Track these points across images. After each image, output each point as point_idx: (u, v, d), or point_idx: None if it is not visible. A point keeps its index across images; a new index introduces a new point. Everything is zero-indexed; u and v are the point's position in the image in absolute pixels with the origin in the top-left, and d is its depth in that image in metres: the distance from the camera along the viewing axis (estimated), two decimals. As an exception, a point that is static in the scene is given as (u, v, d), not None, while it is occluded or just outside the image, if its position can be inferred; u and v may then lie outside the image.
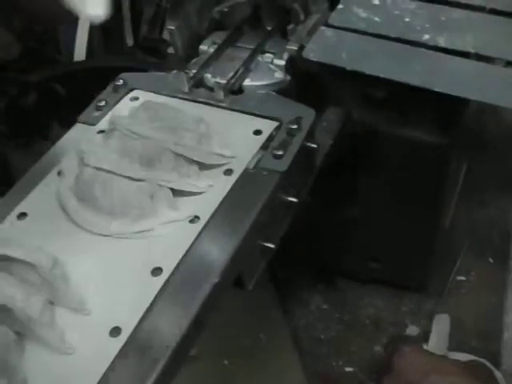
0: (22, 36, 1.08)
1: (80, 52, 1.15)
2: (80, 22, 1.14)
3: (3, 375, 0.38)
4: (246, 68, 0.58)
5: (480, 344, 0.77)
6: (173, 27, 0.60)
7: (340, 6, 0.57)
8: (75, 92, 1.02)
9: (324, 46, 0.53)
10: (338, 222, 0.76)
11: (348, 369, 0.79)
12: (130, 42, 1.14)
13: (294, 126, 0.52)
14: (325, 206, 0.73)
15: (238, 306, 0.76)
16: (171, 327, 0.41)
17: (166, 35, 0.69)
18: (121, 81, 0.58)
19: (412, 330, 0.80)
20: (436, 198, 0.71)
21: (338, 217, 0.76)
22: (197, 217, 0.47)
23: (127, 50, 1.18)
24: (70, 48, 1.14)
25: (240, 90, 0.57)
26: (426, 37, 0.54)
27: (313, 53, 0.52)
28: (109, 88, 0.59)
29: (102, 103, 0.57)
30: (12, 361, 0.40)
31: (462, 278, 0.84)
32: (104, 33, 1.17)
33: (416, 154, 0.65)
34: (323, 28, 0.55)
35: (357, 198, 0.74)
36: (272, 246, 0.50)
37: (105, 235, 0.46)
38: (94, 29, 1.13)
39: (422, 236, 0.75)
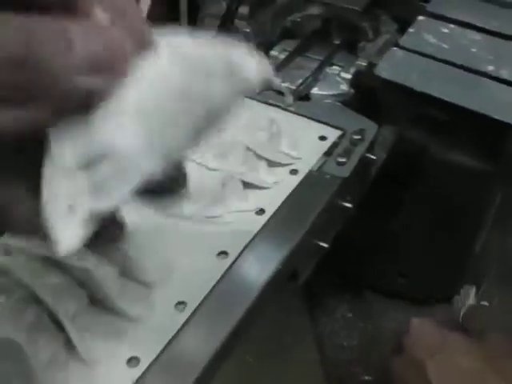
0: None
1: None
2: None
3: (74, 335, 0.41)
4: (315, 77, 0.61)
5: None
6: (248, 30, 0.63)
7: (411, 30, 0.60)
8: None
9: (395, 66, 0.56)
10: (372, 234, 0.79)
11: (366, 377, 0.81)
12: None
13: (358, 137, 0.55)
14: (363, 218, 0.76)
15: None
16: (234, 306, 0.44)
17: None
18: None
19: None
20: (473, 223, 0.73)
21: (373, 229, 0.79)
22: (262, 210, 0.50)
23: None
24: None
25: (307, 97, 0.60)
26: (490, 68, 0.57)
27: (384, 71, 0.56)
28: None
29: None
30: (83, 324, 0.43)
31: (485, 304, 0.87)
32: (157, 25, 1.20)
33: (461, 178, 0.67)
34: (395, 49, 0.58)
35: (395, 213, 0.76)
36: (326, 245, 0.53)
37: (175, 217, 0.49)
38: (148, 20, 1.17)
39: (453, 258, 0.78)
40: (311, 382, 0.80)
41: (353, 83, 0.61)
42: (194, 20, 1.20)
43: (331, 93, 0.61)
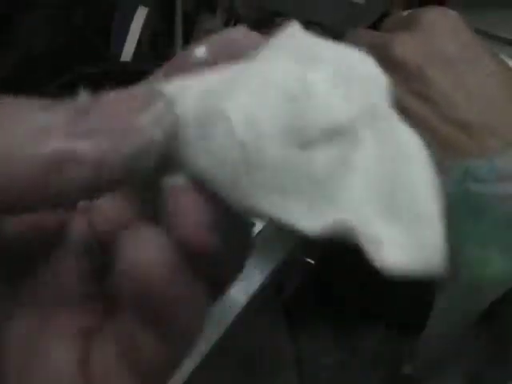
0: (80, 29, 1.13)
1: (128, 54, 1.19)
2: (133, 24, 1.19)
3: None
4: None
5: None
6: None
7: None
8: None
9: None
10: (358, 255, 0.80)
11: (343, 396, 0.82)
12: (179, 50, 1.19)
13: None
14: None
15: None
16: (222, 315, 0.45)
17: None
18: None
19: (408, 369, 0.84)
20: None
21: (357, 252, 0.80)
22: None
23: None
24: (118, 47, 1.19)
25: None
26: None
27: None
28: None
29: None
30: None
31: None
32: (152, 38, 1.22)
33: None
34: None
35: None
36: (312, 261, 0.54)
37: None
38: (143, 32, 1.19)
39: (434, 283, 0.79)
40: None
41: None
42: (189, 35, 1.22)
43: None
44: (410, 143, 0.17)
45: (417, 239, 0.16)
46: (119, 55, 1.22)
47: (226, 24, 0.77)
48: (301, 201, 0.17)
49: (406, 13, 0.52)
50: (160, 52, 1.30)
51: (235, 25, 0.76)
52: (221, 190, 0.17)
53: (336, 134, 0.17)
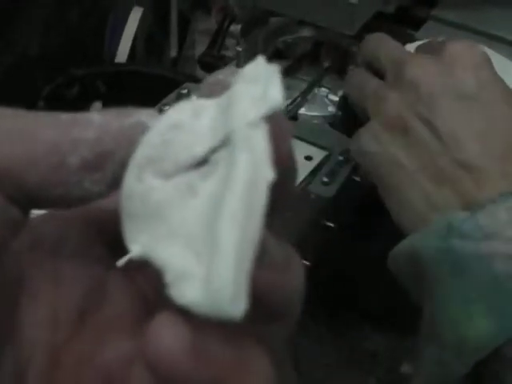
0: (75, 30, 1.13)
1: (123, 54, 1.19)
2: (127, 24, 1.19)
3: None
4: (303, 98, 0.63)
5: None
6: (240, 49, 0.64)
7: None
8: (115, 91, 1.06)
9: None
10: (354, 258, 0.80)
11: (340, 396, 0.82)
12: (173, 52, 1.19)
13: (342, 158, 0.56)
14: (345, 241, 0.77)
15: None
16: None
17: (226, 52, 0.75)
18: (185, 90, 0.63)
19: (406, 368, 0.83)
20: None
21: (355, 253, 0.79)
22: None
23: (166, 60, 1.22)
24: (112, 49, 1.18)
25: (295, 117, 0.62)
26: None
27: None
28: (173, 94, 0.63)
29: (166, 108, 0.61)
30: None
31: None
32: (147, 39, 1.22)
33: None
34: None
35: (376, 239, 0.77)
36: (307, 263, 0.54)
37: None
38: (138, 34, 1.18)
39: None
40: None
41: (339, 105, 0.63)
42: (184, 35, 1.21)
43: (319, 114, 0.62)
44: (239, 173, 0.16)
45: (209, 274, 0.15)
46: (114, 56, 1.22)
47: (221, 23, 0.76)
48: (136, 226, 0.18)
49: (438, 40, 0.51)
50: (155, 53, 1.30)
51: (229, 24, 0.76)
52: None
53: (193, 165, 0.18)
